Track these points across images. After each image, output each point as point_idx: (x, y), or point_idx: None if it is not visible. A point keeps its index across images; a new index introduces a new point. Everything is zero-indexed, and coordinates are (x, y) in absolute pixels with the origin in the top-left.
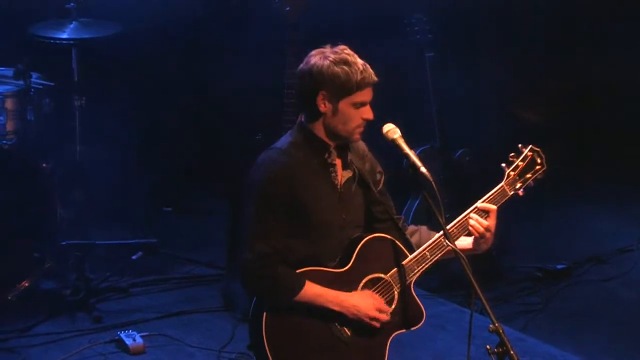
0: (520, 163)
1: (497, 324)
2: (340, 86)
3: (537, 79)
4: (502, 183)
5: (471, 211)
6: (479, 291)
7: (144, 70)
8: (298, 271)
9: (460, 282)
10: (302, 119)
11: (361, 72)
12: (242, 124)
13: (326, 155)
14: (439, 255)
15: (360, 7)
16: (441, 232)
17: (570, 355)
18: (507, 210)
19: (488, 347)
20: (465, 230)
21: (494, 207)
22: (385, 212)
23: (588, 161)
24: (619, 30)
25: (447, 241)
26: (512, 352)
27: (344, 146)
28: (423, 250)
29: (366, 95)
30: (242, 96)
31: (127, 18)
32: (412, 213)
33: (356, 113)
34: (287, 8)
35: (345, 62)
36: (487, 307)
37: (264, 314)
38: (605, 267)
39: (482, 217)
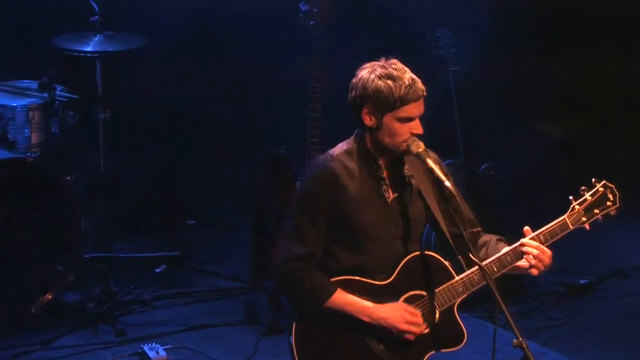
0: (589, 197)
1: (520, 339)
2: (383, 101)
3: (561, 92)
4: (565, 216)
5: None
6: (503, 306)
7: (168, 83)
8: (335, 279)
9: (482, 297)
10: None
11: (407, 86)
12: (267, 138)
13: (374, 167)
14: (487, 281)
15: (382, 24)
16: (492, 258)
17: None
18: (531, 225)
19: None
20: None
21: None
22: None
23: (612, 175)
24: None
25: (471, 255)
26: None
27: (398, 160)
28: (471, 273)
29: (412, 110)
30: (268, 110)
31: (151, 31)
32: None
33: (402, 127)
34: (312, 22)
35: (390, 77)
36: (511, 322)
37: (294, 323)
38: (629, 283)
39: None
